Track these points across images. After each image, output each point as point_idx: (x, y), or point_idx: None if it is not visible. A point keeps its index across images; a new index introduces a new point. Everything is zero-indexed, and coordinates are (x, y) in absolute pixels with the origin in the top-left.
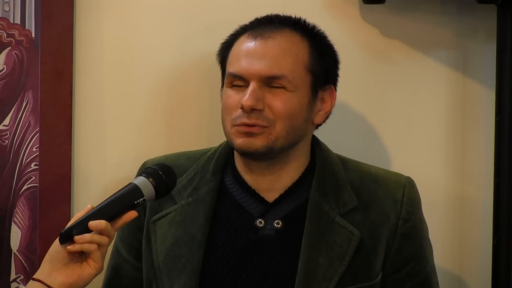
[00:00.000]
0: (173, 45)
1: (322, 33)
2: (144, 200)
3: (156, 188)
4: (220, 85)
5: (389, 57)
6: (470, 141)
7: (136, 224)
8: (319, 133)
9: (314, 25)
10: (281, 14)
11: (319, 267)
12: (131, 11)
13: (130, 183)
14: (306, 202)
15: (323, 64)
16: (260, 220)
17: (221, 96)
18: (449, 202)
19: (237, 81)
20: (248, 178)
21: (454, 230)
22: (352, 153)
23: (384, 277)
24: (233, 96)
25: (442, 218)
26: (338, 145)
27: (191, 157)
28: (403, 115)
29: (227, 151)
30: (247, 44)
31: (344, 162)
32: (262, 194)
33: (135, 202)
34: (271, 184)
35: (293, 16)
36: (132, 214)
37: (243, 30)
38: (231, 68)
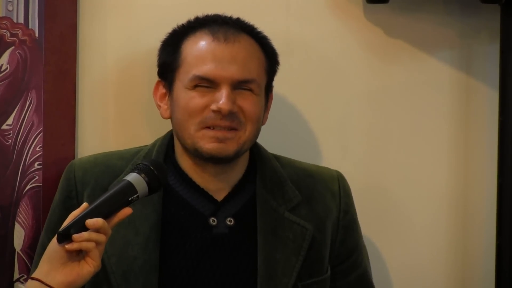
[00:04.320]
0: None
1: (264, 34)
2: (137, 196)
3: (148, 183)
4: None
5: (393, 57)
6: (474, 141)
7: None
8: (324, 134)
9: (253, 26)
10: (222, 15)
11: (277, 264)
12: (135, 11)
13: (123, 180)
14: (252, 198)
15: (273, 67)
16: (212, 218)
17: (170, 96)
18: (453, 202)
19: (203, 83)
20: (197, 177)
21: (458, 230)
22: (356, 153)
23: (330, 269)
24: (197, 98)
25: (446, 218)
26: (342, 145)
27: (123, 157)
28: (407, 115)
29: (164, 150)
30: (211, 46)
31: (278, 159)
32: (211, 193)
33: (129, 199)
34: (220, 183)
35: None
36: (127, 211)
37: (193, 30)
38: (196, 70)
